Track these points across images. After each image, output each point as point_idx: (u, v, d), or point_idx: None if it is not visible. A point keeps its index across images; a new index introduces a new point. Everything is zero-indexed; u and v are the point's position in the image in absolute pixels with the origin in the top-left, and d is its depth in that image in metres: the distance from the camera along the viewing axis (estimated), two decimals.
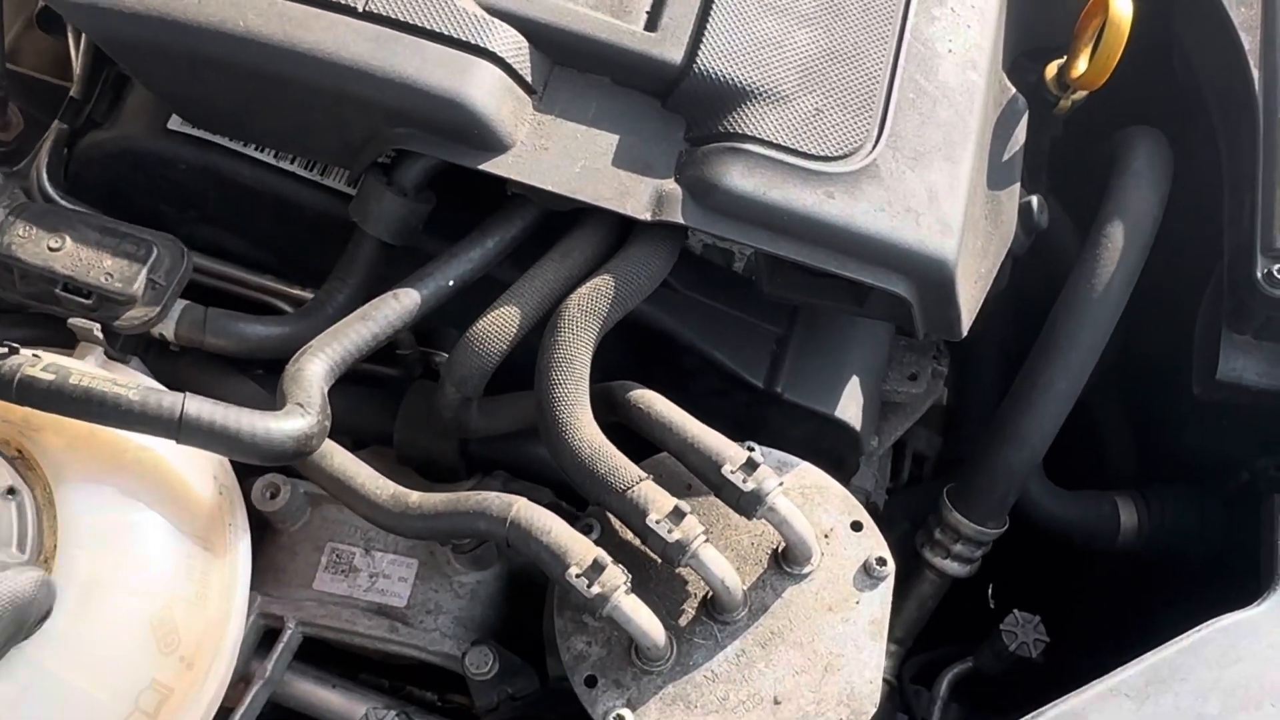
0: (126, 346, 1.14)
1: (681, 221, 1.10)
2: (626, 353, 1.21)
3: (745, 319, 1.26)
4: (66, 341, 1.11)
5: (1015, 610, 1.35)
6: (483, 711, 1.17)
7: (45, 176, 1.29)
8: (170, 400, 0.93)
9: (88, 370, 0.94)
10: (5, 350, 0.94)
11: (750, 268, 1.30)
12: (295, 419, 0.98)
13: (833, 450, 1.28)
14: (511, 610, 1.24)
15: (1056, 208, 1.49)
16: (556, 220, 1.18)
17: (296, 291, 1.30)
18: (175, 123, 1.24)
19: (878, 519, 1.42)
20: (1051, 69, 1.35)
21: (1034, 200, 1.31)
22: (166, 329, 1.13)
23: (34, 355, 0.95)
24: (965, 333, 1.18)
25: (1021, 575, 1.47)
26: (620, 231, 1.17)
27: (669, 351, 1.25)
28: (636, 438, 1.13)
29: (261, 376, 1.26)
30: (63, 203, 1.26)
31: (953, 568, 1.36)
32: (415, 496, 1.06)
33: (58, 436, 0.96)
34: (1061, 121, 1.42)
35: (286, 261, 1.32)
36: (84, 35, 1.35)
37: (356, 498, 1.07)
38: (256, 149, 1.24)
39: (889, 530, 1.43)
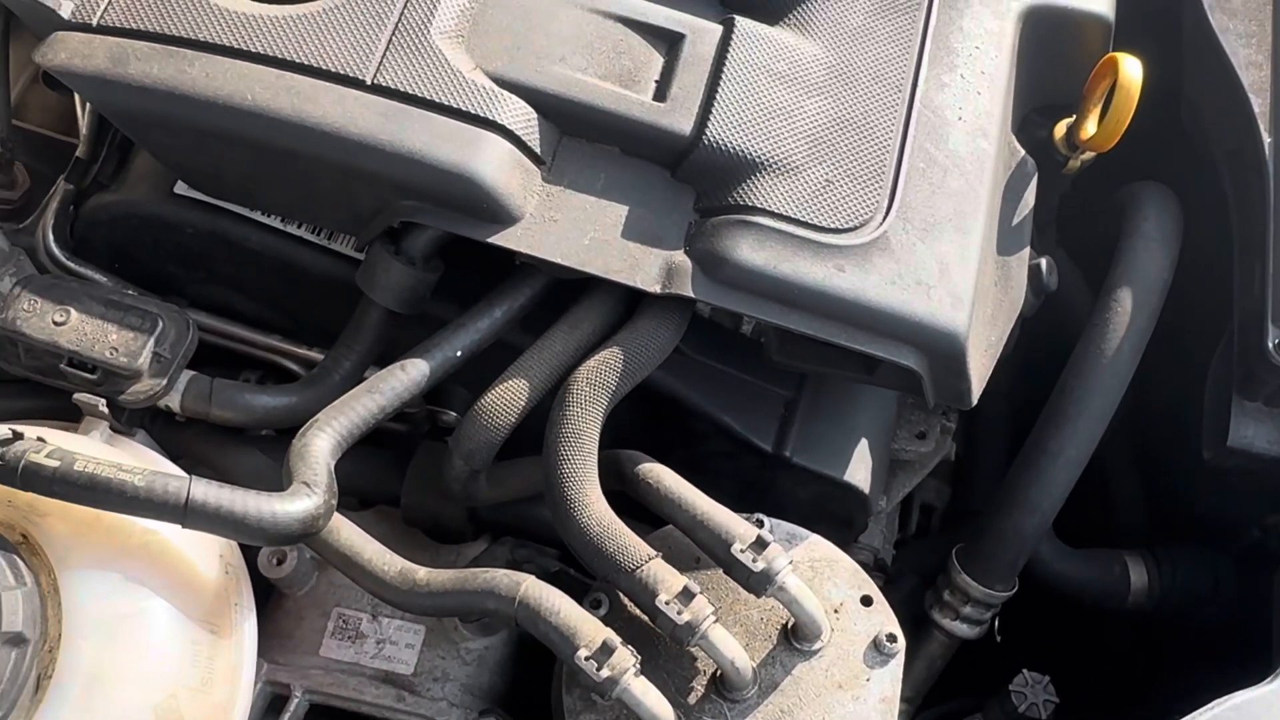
0: (132, 419, 1.13)
1: (691, 295, 1.09)
2: (635, 415, 1.20)
3: (754, 383, 1.26)
4: (72, 413, 1.11)
5: (1025, 670, 1.35)
6: None
7: (52, 237, 1.28)
8: (176, 485, 0.93)
9: (92, 456, 0.94)
10: (10, 435, 0.94)
11: (759, 331, 1.30)
12: (301, 500, 0.98)
13: (841, 512, 1.28)
14: (519, 676, 1.24)
15: (1065, 260, 1.48)
16: (566, 286, 1.18)
17: (304, 351, 1.31)
18: (182, 187, 1.24)
19: (885, 574, 1.43)
20: (1060, 129, 1.35)
21: (1043, 263, 1.30)
22: (172, 401, 1.13)
23: (39, 440, 0.95)
24: (975, 402, 1.17)
25: (1031, 633, 1.46)
26: (629, 301, 1.16)
27: (678, 415, 1.25)
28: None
29: (270, 439, 1.26)
30: (69, 264, 1.26)
31: (961, 629, 1.36)
32: (422, 573, 1.06)
33: (63, 522, 0.95)
34: (1069, 180, 1.42)
35: (295, 322, 1.32)
36: None
37: (363, 574, 1.06)
38: (264, 214, 1.24)
39: (896, 587, 1.44)
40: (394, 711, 1.18)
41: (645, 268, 1.11)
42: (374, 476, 1.30)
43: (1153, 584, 1.37)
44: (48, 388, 1.15)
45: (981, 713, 1.40)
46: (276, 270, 1.26)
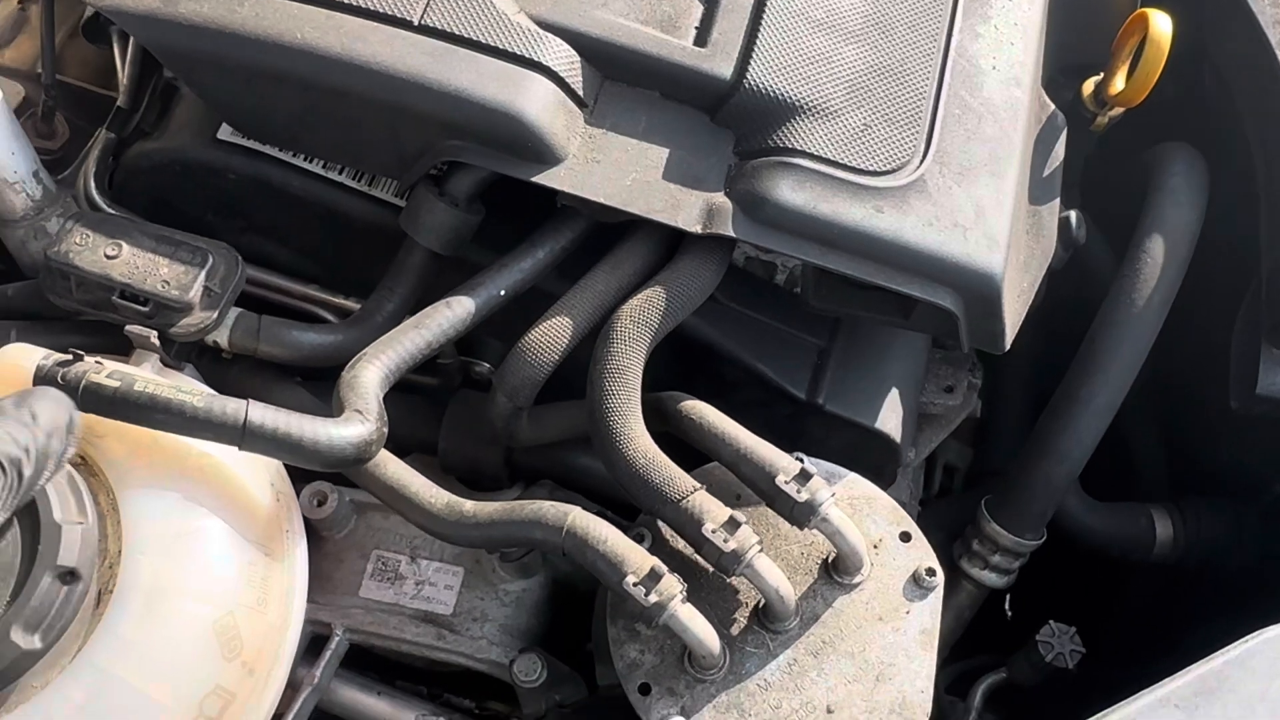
0: (180, 354, 1.15)
1: (732, 234, 1.11)
2: (668, 363, 1.22)
3: (788, 331, 1.27)
4: (119, 348, 1.12)
5: (1051, 621, 1.36)
6: (530, 718, 1.17)
7: (93, 185, 1.30)
8: (234, 407, 0.94)
9: (151, 377, 0.95)
10: (70, 357, 0.95)
11: (792, 280, 1.32)
12: (355, 425, 0.99)
13: (872, 461, 1.29)
14: (554, 618, 1.25)
15: (1088, 222, 1.50)
16: (604, 231, 1.19)
17: (340, 301, 1.32)
18: (225, 132, 1.26)
19: None
20: (1088, 86, 1.37)
21: (1073, 216, 1.32)
22: (221, 336, 1.14)
23: (97, 362, 0.96)
24: (1008, 346, 1.19)
25: (1055, 586, 1.47)
26: (669, 244, 1.18)
27: (712, 363, 1.26)
28: (683, 448, 1.14)
29: (299, 384, 1.27)
30: (110, 211, 1.27)
31: (990, 579, 1.37)
32: (469, 505, 1.07)
33: (120, 443, 0.96)
34: (1096, 138, 1.44)
35: (331, 271, 1.33)
36: (131, 45, 1.36)
37: (410, 506, 1.07)
38: (305, 159, 1.26)
39: None
40: (434, 649, 1.20)
41: (686, 208, 1.13)
42: (411, 424, 1.31)
43: (1178, 536, 1.39)
44: (94, 324, 1.16)
45: (1007, 666, 1.42)
46: (317, 216, 1.28)
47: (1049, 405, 1.34)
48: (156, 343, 1.06)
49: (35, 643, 0.85)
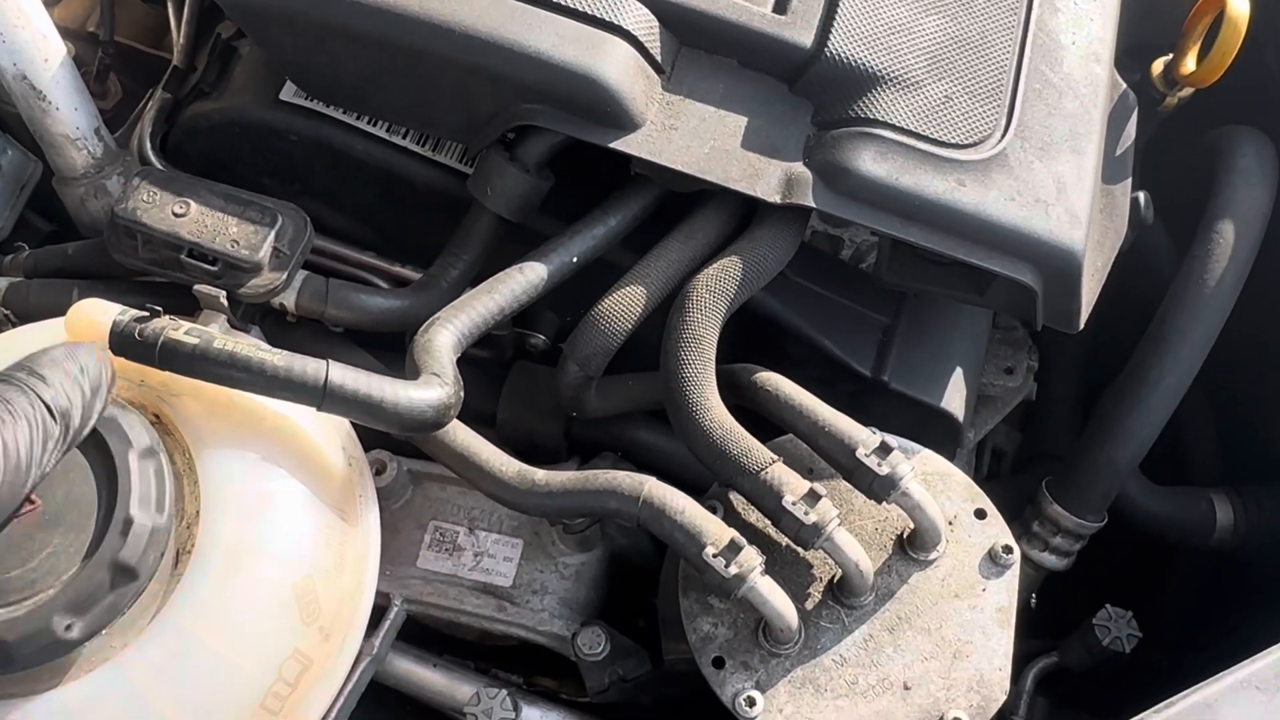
0: (246, 316, 1.12)
1: (812, 205, 1.09)
2: (731, 338, 1.20)
3: (853, 307, 1.26)
4: (183, 310, 1.09)
5: (1107, 605, 1.35)
6: (593, 693, 1.16)
7: (149, 145, 1.28)
8: (315, 367, 0.92)
9: (228, 335, 0.93)
10: (147, 314, 0.93)
11: (858, 256, 1.30)
12: (435, 388, 0.97)
13: (932, 442, 1.27)
14: (610, 593, 1.24)
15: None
16: (675, 201, 1.17)
17: (396, 269, 1.30)
18: (287, 93, 1.23)
19: None
20: (1158, 65, 1.36)
21: (1141, 196, 1.31)
22: (288, 299, 1.12)
23: (173, 320, 0.94)
24: (1082, 326, 1.18)
25: (1105, 570, 1.46)
26: (743, 215, 1.16)
27: (776, 338, 1.25)
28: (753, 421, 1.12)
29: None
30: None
31: (1050, 561, 1.36)
32: (541, 474, 1.05)
33: (196, 402, 0.94)
34: (1158, 120, 1.42)
35: (386, 238, 1.31)
36: (188, 4, 1.34)
37: (481, 474, 1.06)
38: (369, 122, 1.23)
39: None
40: (494, 621, 1.18)
41: (765, 178, 1.11)
42: (469, 394, 1.29)
43: (1238, 521, 1.38)
44: (156, 284, 1.14)
45: (1059, 650, 1.41)
46: (377, 181, 1.25)
47: (1114, 386, 1.32)
48: (225, 303, 1.04)
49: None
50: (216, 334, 0.92)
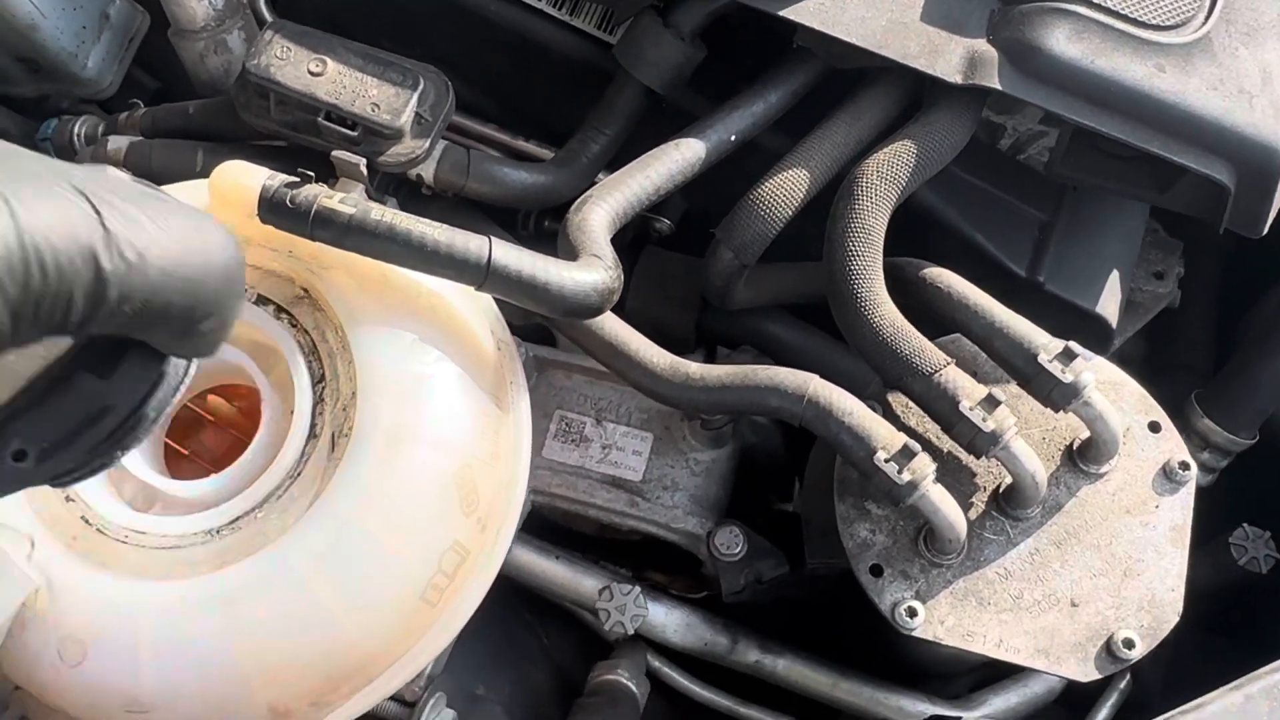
0: (381, 187, 1.06)
1: (997, 87, 1.01)
2: None
3: (1010, 202, 1.18)
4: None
5: (1245, 524, 1.29)
6: (727, 594, 1.12)
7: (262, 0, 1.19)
8: (477, 243, 0.86)
9: (385, 207, 0.86)
10: (298, 179, 0.86)
11: (1016, 146, 1.22)
12: (597, 271, 0.91)
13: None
14: (736, 492, 1.19)
15: None
16: (837, 79, 1.09)
17: (520, 143, 1.22)
18: None
19: None
20: None
21: None
22: (427, 170, 1.05)
23: (324, 187, 0.87)
24: (1266, 229, 1.10)
25: (1251, 490, 1.40)
26: (912, 96, 1.08)
27: (923, 231, 1.17)
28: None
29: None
30: None
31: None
32: (695, 367, 0.99)
33: (349, 277, 0.88)
34: None
35: (509, 110, 1.23)
36: None
37: (631, 364, 1.00)
38: None
39: None
40: (625, 516, 1.14)
41: (946, 55, 1.02)
42: None
43: None
44: (282, 149, 1.07)
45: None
46: (509, 46, 1.17)
47: (1273, 296, 1.24)
48: (365, 172, 0.97)
49: None
50: (373, 204, 0.86)
